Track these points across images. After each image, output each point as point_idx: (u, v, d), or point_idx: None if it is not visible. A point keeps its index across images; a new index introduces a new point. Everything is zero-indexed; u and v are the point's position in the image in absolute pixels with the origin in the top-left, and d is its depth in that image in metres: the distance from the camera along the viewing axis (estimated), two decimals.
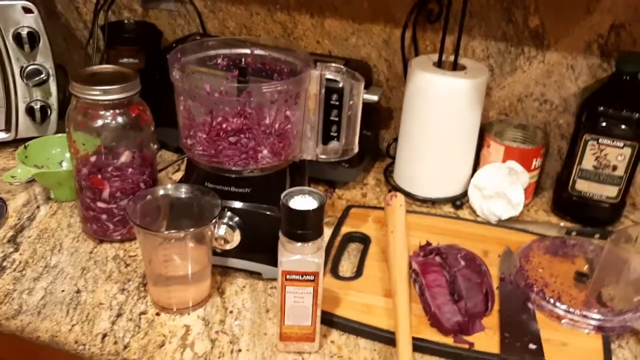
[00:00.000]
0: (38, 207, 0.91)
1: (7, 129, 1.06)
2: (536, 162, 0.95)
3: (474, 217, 0.95)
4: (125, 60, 1.08)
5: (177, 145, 1.05)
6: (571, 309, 0.72)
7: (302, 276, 0.62)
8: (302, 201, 0.62)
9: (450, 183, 0.98)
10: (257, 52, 0.81)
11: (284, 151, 0.75)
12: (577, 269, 0.78)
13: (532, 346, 0.68)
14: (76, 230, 0.86)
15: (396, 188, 1.00)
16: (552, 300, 0.73)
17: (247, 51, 0.81)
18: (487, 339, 0.69)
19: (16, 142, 1.06)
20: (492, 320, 0.72)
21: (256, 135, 0.72)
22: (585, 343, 0.70)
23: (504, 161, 0.95)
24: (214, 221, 0.69)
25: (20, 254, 0.81)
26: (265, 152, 0.73)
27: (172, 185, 0.74)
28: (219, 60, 0.80)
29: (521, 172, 0.92)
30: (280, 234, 0.62)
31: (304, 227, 0.61)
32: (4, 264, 0.79)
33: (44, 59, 1.03)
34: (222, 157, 0.73)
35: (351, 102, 0.76)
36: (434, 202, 0.97)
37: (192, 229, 0.69)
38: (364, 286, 0.77)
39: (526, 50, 0.96)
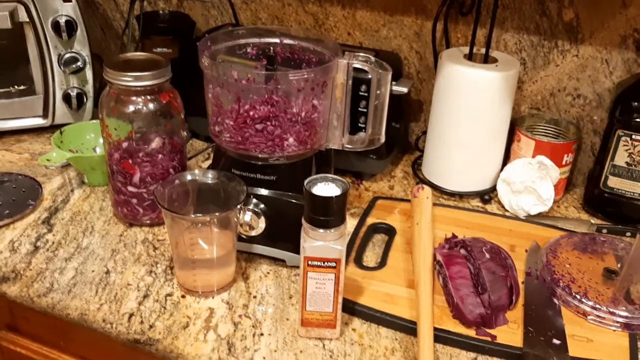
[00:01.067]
0: (72, 190, 0.94)
1: (45, 115, 1.09)
2: (567, 158, 0.94)
3: (502, 211, 0.94)
4: (159, 49, 1.10)
5: (207, 135, 1.07)
6: (598, 306, 0.71)
7: (324, 262, 0.63)
8: (326, 188, 0.62)
9: (479, 177, 0.97)
10: (286, 41, 0.81)
11: (310, 140, 0.76)
12: (606, 266, 0.77)
13: (556, 341, 0.67)
14: (107, 213, 0.89)
15: (424, 181, 1.00)
16: (578, 296, 0.72)
17: (277, 40, 0.81)
18: (510, 332, 0.69)
19: (53, 128, 1.09)
20: (516, 314, 0.71)
21: (282, 123, 0.73)
22: (611, 340, 0.69)
23: (534, 156, 0.93)
24: (239, 206, 0.70)
25: (54, 235, 0.83)
26: (291, 140, 0.74)
27: (199, 171, 0.75)
28: (249, 49, 0.81)
29: (551, 167, 0.91)
30: (303, 220, 0.63)
31: (326, 213, 0.61)
32: (38, 244, 0.81)
33: (80, 47, 1.06)
34: (249, 144, 0.74)
35: (378, 92, 0.76)
36: (462, 195, 0.97)
37: (217, 214, 0.70)
38: (387, 276, 0.77)
39: (560, 43, 0.95)
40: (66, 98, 1.08)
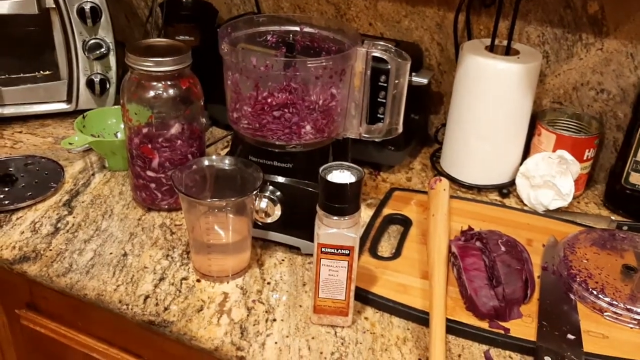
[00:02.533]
0: (93, 174, 0.95)
1: (69, 100, 1.11)
2: (589, 153, 0.93)
3: (521, 206, 0.93)
4: (181, 37, 1.11)
5: (227, 122, 1.07)
6: (615, 302, 0.70)
7: (337, 250, 0.63)
8: (341, 175, 0.62)
9: (497, 170, 0.96)
10: (306, 29, 0.81)
11: (327, 128, 0.76)
12: (625, 263, 0.76)
13: (570, 336, 0.67)
14: (127, 198, 0.90)
15: (442, 173, 0.99)
16: (595, 292, 0.71)
17: (297, 29, 0.81)
18: (524, 326, 0.68)
19: (76, 113, 1.10)
20: (530, 308, 0.71)
21: (300, 111, 0.73)
22: (627, 337, 0.68)
23: (554, 150, 0.92)
24: (254, 193, 0.71)
25: (74, 217, 0.85)
26: (308, 127, 0.74)
27: (216, 157, 0.75)
28: (269, 37, 0.82)
29: (572, 161, 0.90)
30: (317, 207, 0.63)
31: (341, 200, 0.61)
32: (58, 225, 0.83)
33: (105, 34, 1.07)
34: (266, 131, 0.75)
35: (397, 82, 0.76)
36: (480, 189, 0.96)
37: (233, 199, 0.70)
38: (401, 266, 0.77)
39: (584, 36, 0.93)
40: (89, 84, 1.09)
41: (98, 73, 1.09)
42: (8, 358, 0.94)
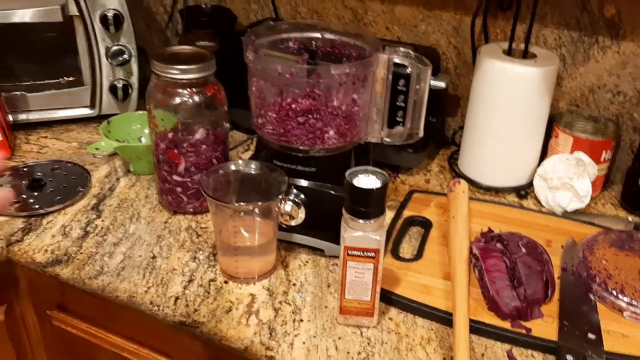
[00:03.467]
0: (118, 179, 0.97)
1: (92, 106, 1.13)
2: (606, 155, 0.94)
3: (539, 207, 0.94)
4: (201, 43, 1.13)
5: (247, 126, 1.10)
6: (634, 302, 0.71)
7: (363, 252, 0.65)
8: (366, 180, 0.64)
9: (515, 172, 0.97)
10: (327, 36, 0.83)
11: (349, 133, 0.78)
12: None
13: (591, 336, 0.68)
14: (152, 201, 0.92)
15: (460, 175, 1.01)
16: (614, 292, 0.72)
17: (318, 35, 0.83)
18: (545, 325, 0.70)
19: (99, 118, 1.13)
20: (551, 308, 0.72)
21: (324, 116, 0.75)
22: None
23: (572, 152, 0.94)
24: (280, 197, 0.73)
25: (102, 221, 0.87)
26: (331, 132, 0.76)
27: (242, 162, 0.77)
28: (290, 44, 0.83)
29: (589, 163, 0.91)
30: (343, 210, 0.65)
31: (367, 204, 0.63)
32: (88, 229, 0.85)
33: (127, 40, 1.09)
34: (291, 137, 0.76)
35: (418, 87, 0.77)
36: (498, 190, 0.98)
37: (260, 203, 0.72)
38: (423, 268, 0.78)
39: (600, 39, 0.94)
40: (112, 89, 1.12)
41: (120, 79, 1.11)
42: (38, 358, 0.96)
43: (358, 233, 0.64)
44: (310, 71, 0.74)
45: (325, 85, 0.74)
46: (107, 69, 1.11)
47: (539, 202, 0.95)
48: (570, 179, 0.90)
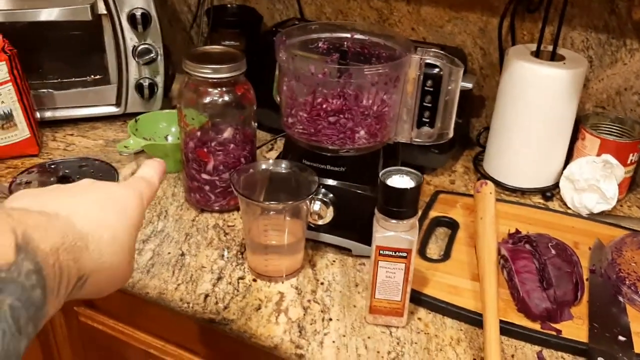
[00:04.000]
0: None
1: (118, 104, 1.14)
2: (632, 157, 0.93)
3: (564, 209, 0.94)
4: (226, 42, 1.14)
5: (271, 125, 1.10)
6: None
7: (394, 252, 0.65)
8: (400, 180, 0.64)
9: (541, 174, 0.97)
10: (357, 36, 0.83)
11: (380, 133, 0.78)
12: None
13: (621, 338, 0.68)
14: (179, 199, 0.93)
15: (485, 176, 1.01)
16: None
17: (348, 35, 0.84)
18: (575, 327, 0.70)
19: (124, 117, 1.14)
20: (581, 310, 0.72)
21: (355, 116, 0.75)
22: None
23: (598, 154, 0.93)
24: (310, 197, 0.73)
25: None
26: (362, 132, 0.76)
27: (272, 161, 0.78)
28: (320, 44, 0.84)
29: (616, 165, 0.91)
30: (376, 210, 0.65)
31: (399, 205, 0.63)
32: None
33: (154, 39, 1.10)
34: (321, 136, 0.77)
35: (449, 87, 0.77)
36: (523, 192, 0.97)
37: (290, 202, 0.73)
38: (451, 268, 0.78)
39: (628, 42, 0.94)
40: (139, 88, 1.12)
41: (147, 77, 1.12)
42: (63, 354, 0.98)
43: (390, 233, 0.64)
44: (343, 71, 0.74)
45: (357, 85, 0.74)
46: (134, 68, 1.12)
47: (565, 204, 0.95)
48: (597, 181, 0.90)
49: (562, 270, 0.73)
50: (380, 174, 0.64)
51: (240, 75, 0.83)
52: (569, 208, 0.94)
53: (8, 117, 0.98)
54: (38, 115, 1.09)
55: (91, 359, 0.95)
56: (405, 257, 0.65)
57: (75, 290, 0.41)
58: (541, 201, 0.96)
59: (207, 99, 0.82)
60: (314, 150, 0.78)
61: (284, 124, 0.81)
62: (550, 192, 0.97)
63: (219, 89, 0.82)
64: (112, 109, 1.15)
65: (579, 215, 0.92)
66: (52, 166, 0.99)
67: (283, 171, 0.77)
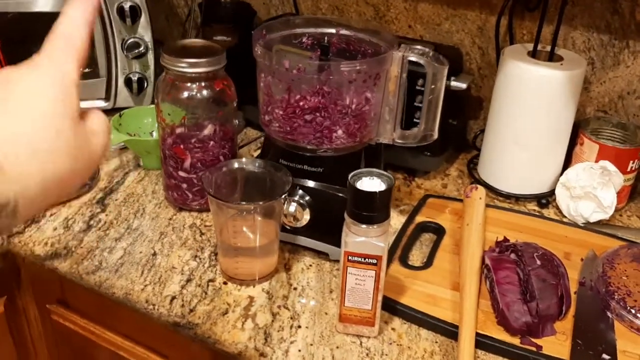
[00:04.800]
0: (127, 173, 0.96)
1: (107, 98, 1.12)
2: (633, 164, 0.89)
3: (560, 217, 0.90)
4: (219, 37, 1.11)
5: (260, 124, 1.07)
6: None
7: (364, 259, 0.61)
8: (370, 183, 0.61)
9: (537, 180, 0.93)
10: (343, 32, 0.80)
11: (359, 133, 0.74)
12: None
13: (605, 356, 0.64)
14: (159, 197, 0.90)
15: (479, 181, 0.97)
16: (633, 311, 0.68)
17: (333, 31, 0.80)
18: (557, 343, 0.66)
19: (114, 111, 1.11)
20: (565, 325, 0.68)
21: (332, 115, 0.72)
22: None
23: (597, 160, 0.89)
24: (283, 196, 0.70)
25: (106, 215, 0.85)
26: (339, 132, 0.73)
27: (246, 159, 0.75)
28: (304, 39, 0.81)
29: (614, 172, 0.86)
30: (345, 214, 0.62)
31: (370, 209, 0.60)
32: (91, 222, 0.84)
33: (143, 33, 1.08)
34: (297, 135, 0.74)
35: (433, 86, 0.74)
36: (518, 198, 0.93)
37: (261, 202, 0.70)
38: (432, 277, 0.75)
39: (631, 44, 0.89)
40: (128, 82, 1.10)
41: (136, 72, 1.10)
42: (39, 351, 0.96)
43: (360, 239, 0.61)
44: (319, 67, 0.71)
45: (335, 82, 0.71)
46: (123, 62, 1.10)
47: (561, 212, 0.90)
48: (594, 189, 0.85)
49: (546, 282, 0.69)
50: (350, 176, 0.61)
51: (219, 70, 0.80)
52: (565, 216, 0.90)
53: None
54: None
55: (64, 357, 0.93)
56: (375, 264, 0.62)
57: (4, 220, 0.35)
58: (536, 208, 0.92)
59: (185, 94, 0.80)
60: (291, 149, 0.75)
61: (262, 122, 0.78)
62: (545, 199, 0.92)
63: (197, 84, 0.79)
64: (101, 104, 1.13)
65: (574, 224, 0.88)
66: None
67: (257, 170, 0.74)
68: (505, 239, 0.79)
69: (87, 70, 1.11)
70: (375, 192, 0.59)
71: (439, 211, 0.88)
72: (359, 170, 0.62)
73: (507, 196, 0.94)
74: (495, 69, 1.01)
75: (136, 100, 1.13)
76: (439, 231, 0.84)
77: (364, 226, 0.61)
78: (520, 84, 0.88)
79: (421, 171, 1.00)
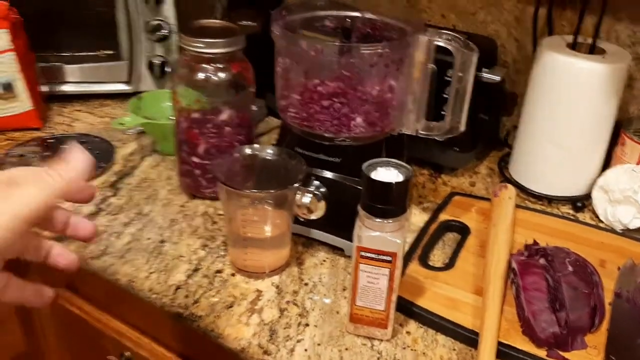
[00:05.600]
0: (143, 157, 0.93)
1: (129, 82, 1.10)
2: None
3: (596, 222, 0.83)
4: (244, 22, 1.07)
5: None
6: None
7: (378, 255, 0.57)
8: (386, 173, 0.56)
9: (572, 181, 0.87)
10: (368, 15, 0.75)
11: (380, 122, 0.70)
12: None
13: None
14: (173, 183, 0.87)
15: (509, 180, 0.91)
16: None
17: (357, 14, 0.76)
18: (587, 358, 0.60)
19: (136, 95, 1.10)
20: (597, 339, 0.62)
21: (351, 101, 0.68)
22: None
23: (639, 163, 0.82)
24: (295, 186, 0.66)
25: (118, 199, 0.83)
26: (359, 120, 0.69)
27: (259, 146, 0.71)
28: (327, 22, 0.76)
29: None
30: (359, 206, 0.57)
31: (385, 201, 0.55)
32: (101, 206, 0.81)
33: (167, 16, 1.05)
34: (314, 122, 0.69)
35: (461, 74, 0.69)
36: (551, 200, 0.87)
37: (272, 191, 0.66)
38: (453, 279, 0.70)
39: None
40: (150, 66, 1.08)
41: (159, 55, 1.08)
42: (48, 336, 0.94)
43: (374, 233, 0.56)
44: (339, 50, 0.66)
45: (356, 66, 0.67)
46: (146, 45, 1.07)
47: (597, 217, 0.84)
48: (634, 193, 0.79)
49: (578, 290, 0.63)
50: (364, 165, 0.57)
51: (237, 52, 0.76)
52: (602, 221, 0.83)
53: (8, 87, 0.94)
54: (46, 88, 1.06)
55: (73, 343, 0.91)
56: (390, 262, 0.57)
57: None
58: (570, 211, 0.86)
59: (200, 76, 0.76)
60: (308, 137, 0.71)
61: (278, 107, 0.74)
62: (581, 202, 0.86)
63: (214, 65, 0.76)
64: (123, 87, 1.11)
65: (611, 230, 0.81)
66: (51, 140, 0.96)
67: (270, 158, 0.70)
68: (535, 243, 0.74)
69: (109, 52, 1.09)
70: (392, 183, 0.54)
71: (465, 210, 0.83)
72: (374, 160, 0.57)
73: (539, 197, 0.88)
74: (532, 62, 0.95)
75: (159, 84, 1.10)
76: (463, 231, 0.79)
77: (378, 220, 0.56)
78: (558, 77, 0.82)
79: (448, 168, 0.94)
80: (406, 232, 0.57)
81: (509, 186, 0.81)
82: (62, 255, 0.50)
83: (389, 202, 0.55)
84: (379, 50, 0.65)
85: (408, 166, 0.56)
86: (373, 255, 0.57)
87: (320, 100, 0.68)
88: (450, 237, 0.79)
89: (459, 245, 0.76)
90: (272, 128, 1.03)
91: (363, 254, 0.57)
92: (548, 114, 0.84)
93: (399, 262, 0.57)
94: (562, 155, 0.85)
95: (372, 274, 0.58)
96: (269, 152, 0.70)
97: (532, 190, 0.88)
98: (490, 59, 0.96)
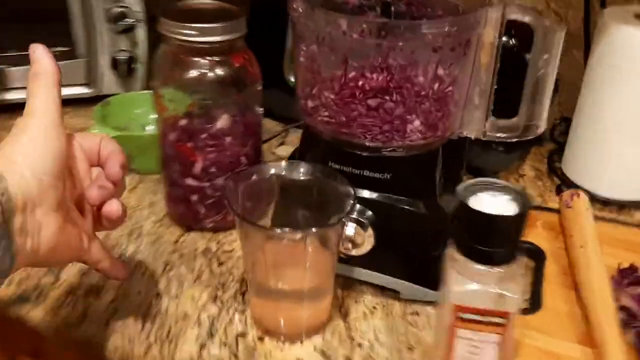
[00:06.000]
0: None
1: (89, 84, 0.91)
2: None
3: None
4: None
5: (282, 113, 0.86)
6: None
7: (484, 316, 0.40)
8: (491, 201, 0.40)
9: None
10: None
11: (441, 123, 0.53)
12: None
13: None
14: (159, 211, 0.69)
15: (566, 182, 0.76)
16: None
17: None
18: None
19: (99, 99, 0.90)
20: None
21: (407, 99, 0.51)
22: None
23: None
24: (343, 217, 0.49)
25: None
26: (417, 123, 0.52)
27: (286, 164, 0.53)
28: None
29: None
30: (452, 248, 0.41)
31: (495, 242, 0.39)
32: None
33: (132, 1, 0.86)
34: (356, 128, 0.52)
35: (544, 57, 0.53)
36: (622, 205, 0.72)
37: (314, 229, 0.48)
38: (546, 324, 0.54)
39: None
40: (114, 63, 0.89)
41: (124, 50, 0.88)
42: None
43: (476, 287, 0.40)
44: (390, 29, 0.49)
45: (411, 52, 0.50)
46: (108, 38, 0.88)
47: None
48: None
49: None
50: (458, 189, 0.40)
51: (237, 40, 0.59)
52: None
53: None
54: None
55: None
56: (501, 325, 0.41)
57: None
58: None
59: (192, 73, 0.58)
60: (345, 147, 0.54)
61: (302, 110, 0.57)
62: None
63: (209, 59, 0.58)
64: (82, 90, 0.91)
65: None
66: None
67: (301, 177, 0.53)
68: (633, 267, 0.59)
69: (62, 49, 0.88)
70: (505, 217, 0.38)
71: (529, 226, 0.67)
72: (469, 182, 0.41)
73: (606, 202, 0.73)
74: (576, 41, 0.80)
75: (125, 85, 0.91)
76: (536, 255, 0.63)
77: (482, 268, 0.40)
78: (628, 54, 0.67)
79: (489, 171, 0.79)
80: (521, 283, 0.41)
81: (581, 193, 0.66)
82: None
83: (501, 243, 0.39)
84: (447, 29, 0.48)
85: (521, 190, 0.40)
86: (477, 317, 0.41)
87: (366, 99, 0.51)
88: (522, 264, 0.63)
89: (538, 275, 0.60)
90: (273, 133, 0.85)
91: (462, 315, 0.41)
92: (616, 101, 0.69)
93: (513, 325, 0.41)
94: (635, 150, 0.70)
95: (474, 342, 0.42)
96: (300, 171, 0.53)
97: (596, 194, 0.73)
98: (528, 39, 0.80)
